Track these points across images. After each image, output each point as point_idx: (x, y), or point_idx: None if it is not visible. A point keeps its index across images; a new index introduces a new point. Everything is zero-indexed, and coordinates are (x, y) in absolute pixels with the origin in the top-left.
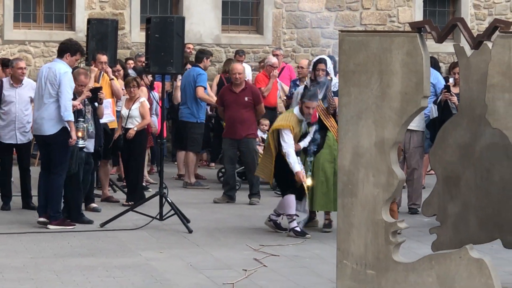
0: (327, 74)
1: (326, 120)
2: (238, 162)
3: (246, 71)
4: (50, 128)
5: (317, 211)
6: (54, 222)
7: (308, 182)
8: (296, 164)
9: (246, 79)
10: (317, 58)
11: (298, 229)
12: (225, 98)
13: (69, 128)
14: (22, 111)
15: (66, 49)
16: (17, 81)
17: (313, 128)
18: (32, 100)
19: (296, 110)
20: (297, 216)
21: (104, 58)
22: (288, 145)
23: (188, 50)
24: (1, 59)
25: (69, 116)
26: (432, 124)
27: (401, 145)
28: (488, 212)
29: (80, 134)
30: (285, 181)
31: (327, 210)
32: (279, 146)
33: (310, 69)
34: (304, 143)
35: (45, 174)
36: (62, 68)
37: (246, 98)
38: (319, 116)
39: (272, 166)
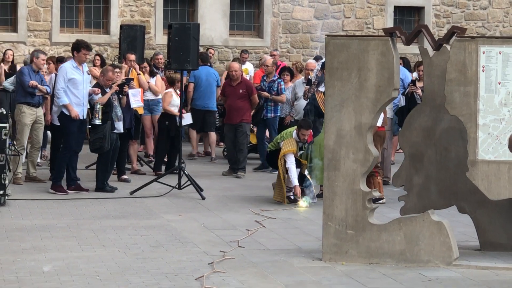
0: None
1: (324, 108)
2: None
3: (249, 68)
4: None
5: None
6: (55, 187)
7: (302, 202)
8: (295, 179)
9: (249, 75)
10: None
11: (291, 197)
12: (225, 90)
13: (66, 112)
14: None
15: (72, 49)
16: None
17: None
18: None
19: (294, 134)
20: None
21: (132, 57)
22: (291, 163)
23: (210, 54)
24: (56, 57)
25: (61, 102)
26: (401, 112)
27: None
28: (446, 183)
29: (97, 115)
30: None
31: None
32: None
33: (319, 68)
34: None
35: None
36: (64, 66)
37: (241, 90)
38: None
39: (284, 189)
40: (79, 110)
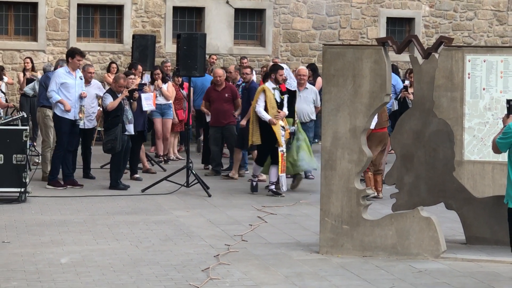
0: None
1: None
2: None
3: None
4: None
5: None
6: (52, 182)
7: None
8: (266, 115)
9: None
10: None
11: (274, 190)
12: (210, 95)
13: (58, 113)
14: (89, 104)
15: (67, 55)
16: (86, 81)
17: (285, 96)
18: (97, 96)
19: (268, 84)
20: (276, 182)
21: (140, 68)
22: (260, 106)
23: (212, 60)
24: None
25: (54, 99)
26: (394, 115)
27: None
28: (434, 181)
29: (81, 115)
30: (266, 155)
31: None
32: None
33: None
34: (285, 109)
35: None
36: (58, 71)
37: (226, 95)
38: None
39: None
40: (71, 112)
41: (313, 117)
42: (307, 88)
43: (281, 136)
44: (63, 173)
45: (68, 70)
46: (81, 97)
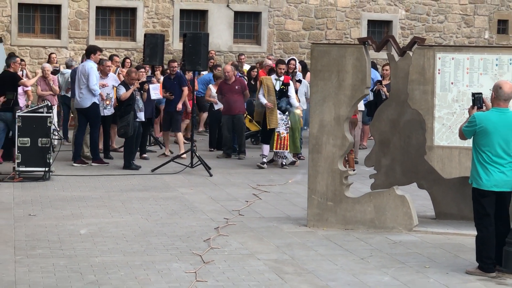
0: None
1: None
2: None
3: (247, 69)
4: (87, 103)
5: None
6: (95, 161)
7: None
8: (263, 100)
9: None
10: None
11: (262, 164)
12: (222, 88)
13: (97, 102)
14: (107, 95)
15: (89, 51)
16: (104, 74)
17: (289, 87)
18: (114, 87)
19: (272, 77)
20: (265, 156)
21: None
22: (260, 95)
23: (210, 55)
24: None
25: (97, 92)
26: (369, 105)
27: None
28: (408, 164)
29: (108, 102)
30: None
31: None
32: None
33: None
34: (292, 100)
35: (81, 132)
36: (90, 65)
37: (236, 87)
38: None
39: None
40: (97, 97)
41: (305, 107)
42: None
43: (278, 119)
44: (96, 153)
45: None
46: (103, 86)
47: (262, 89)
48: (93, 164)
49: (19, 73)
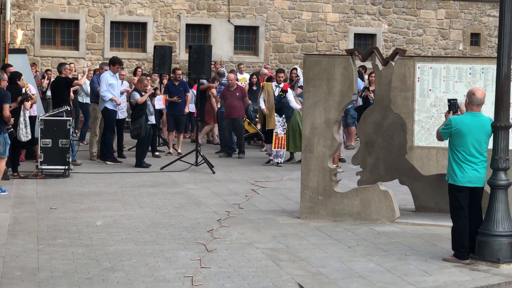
0: (297, 76)
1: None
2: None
3: (246, 77)
4: (101, 107)
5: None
6: (110, 160)
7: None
8: (262, 105)
9: (246, 82)
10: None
11: (278, 161)
12: (225, 94)
13: (109, 107)
14: (122, 100)
15: (110, 63)
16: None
17: (287, 93)
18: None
19: (273, 84)
20: (270, 154)
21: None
22: (261, 99)
23: (213, 65)
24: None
25: (107, 98)
26: (359, 109)
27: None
28: (390, 162)
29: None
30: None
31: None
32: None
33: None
34: (292, 103)
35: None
36: (102, 74)
37: (237, 94)
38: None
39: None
40: (115, 104)
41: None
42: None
43: (276, 122)
44: (110, 153)
45: (112, 74)
46: (121, 93)
47: (263, 94)
48: (107, 162)
49: (46, 82)
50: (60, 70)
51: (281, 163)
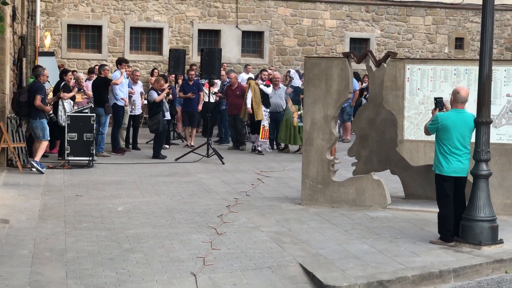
0: (291, 78)
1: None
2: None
3: (252, 77)
4: (111, 103)
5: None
6: (114, 151)
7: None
8: (249, 103)
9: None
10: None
11: (259, 149)
12: (228, 92)
13: (118, 103)
14: (137, 98)
15: (117, 63)
16: (134, 81)
17: (270, 88)
18: (141, 93)
19: (260, 83)
20: (258, 145)
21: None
22: (248, 96)
23: (223, 67)
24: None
25: (120, 96)
26: (354, 107)
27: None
28: (382, 154)
29: (133, 106)
30: (255, 128)
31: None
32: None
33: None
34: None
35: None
36: (115, 74)
37: (238, 92)
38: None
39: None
40: (119, 101)
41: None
42: (280, 87)
43: (264, 116)
44: (114, 145)
45: (120, 73)
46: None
47: (250, 91)
48: (112, 153)
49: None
50: (100, 71)
51: (261, 151)
